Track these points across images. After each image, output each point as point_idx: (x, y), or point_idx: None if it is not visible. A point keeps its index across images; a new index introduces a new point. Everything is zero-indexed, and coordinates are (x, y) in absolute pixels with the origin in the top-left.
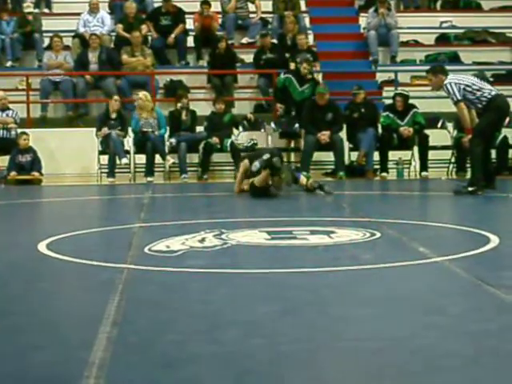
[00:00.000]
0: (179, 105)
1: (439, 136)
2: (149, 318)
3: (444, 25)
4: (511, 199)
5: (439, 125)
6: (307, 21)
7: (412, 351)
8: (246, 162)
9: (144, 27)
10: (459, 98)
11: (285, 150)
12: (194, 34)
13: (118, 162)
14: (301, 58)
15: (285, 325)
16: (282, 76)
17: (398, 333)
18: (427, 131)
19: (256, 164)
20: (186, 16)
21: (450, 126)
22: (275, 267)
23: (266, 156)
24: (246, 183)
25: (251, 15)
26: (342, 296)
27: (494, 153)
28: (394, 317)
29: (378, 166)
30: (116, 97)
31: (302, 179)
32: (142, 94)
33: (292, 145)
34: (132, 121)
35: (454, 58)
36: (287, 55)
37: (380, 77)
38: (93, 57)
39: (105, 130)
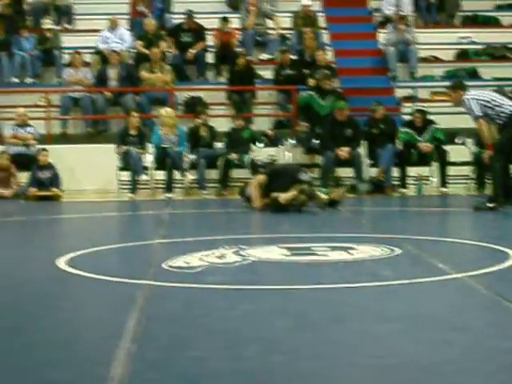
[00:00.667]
0: (198, 121)
1: (459, 152)
2: (169, 334)
3: (463, 40)
4: None
5: (460, 141)
6: (326, 37)
7: (432, 368)
8: (262, 177)
9: (163, 43)
10: (479, 114)
11: (304, 166)
12: (213, 50)
13: (137, 178)
14: (319, 73)
15: (305, 341)
16: (304, 94)
17: (419, 349)
18: (446, 147)
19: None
20: (206, 32)
21: (469, 141)
22: (295, 283)
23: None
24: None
25: (270, 31)
26: (362, 312)
27: None
28: (414, 333)
29: (397, 182)
30: (135, 113)
31: (321, 195)
32: (165, 110)
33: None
34: (153, 136)
35: (474, 74)
36: (306, 71)
37: (399, 93)
38: (112, 73)
39: (124, 147)
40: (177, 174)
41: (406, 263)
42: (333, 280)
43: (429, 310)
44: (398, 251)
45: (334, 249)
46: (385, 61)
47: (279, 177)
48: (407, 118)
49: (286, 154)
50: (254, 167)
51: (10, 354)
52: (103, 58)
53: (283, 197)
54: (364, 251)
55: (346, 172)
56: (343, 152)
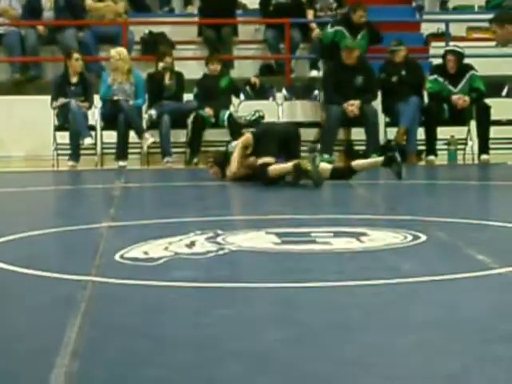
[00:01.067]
0: (161, 65)
1: (504, 107)
2: (121, 347)
3: None
4: None
5: (504, 92)
6: None
7: None
8: (249, 136)
9: None
10: None
11: (300, 124)
12: None
13: (80, 141)
14: (321, 3)
15: (300, 357)
16: (330, 29)
17: (450, 367)
18: (488, 101)
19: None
20: None
21: None
22: (287, 281)
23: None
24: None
25: None
26: (375, 318)
27: None
28: (447, 346)
29: (423, 147)
30: (77, 55)
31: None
32: (116, 50)
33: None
34: (101, 85)
35: None
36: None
37: (426, 28)
38: (47, 1)
39: (62, 100)
40: (132, 136)
41: (434, 254)
42: (337, 276)
43: (465, 314)
44: (423, 238)
45: (339, 235)
46: None
47: (270, 141)
48: (437, 61)
49: (281, 109)
50: (235, 126)
51: None
52: None
53: (274, 168)
54: (379, 238)
55: (355, 133)
56: (352, 107)
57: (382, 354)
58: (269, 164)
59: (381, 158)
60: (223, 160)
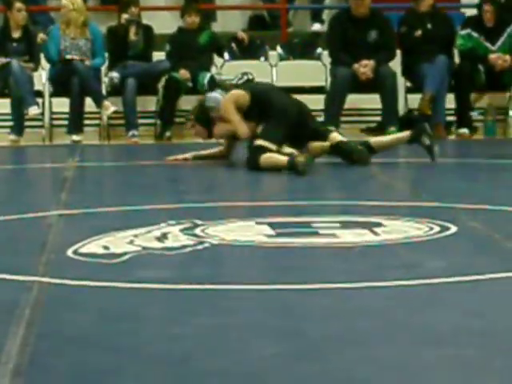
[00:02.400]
0: (125, 17)
1: None
2: (74, 363)
3: None
4: None
5: None
6: None
7: None
8: (244, 94)
9: None
10: None
11: (298, 90)
12: None
13: (24, 110)
14: None
15: (300, 375)
16: None
17: None
18: None
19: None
20: None
21: None
22: (283, 282)
23: None
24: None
25: None
26: (393, 328)
27: None
28: (479, 362)
29: (453, 118)
30: (20, 4)
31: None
32: None
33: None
34: (50, 41)
35: None
36: None
37: None
38: None
39: (1, 59)
40: (89, 104)
41: (466, 248)
42: (345, 276)
43: (505, 323)
44: (452, 229)
45: (347, 226)
46: None
47: (280, 125)
48: (471, 12)
49: (275, 71)
50: None
51: None
52: None
53: (267, 157)
54: (397, 229)
55: (367, 101)
56: (365, 68)
57: (402, 372)
58: (267, 150)
59: (406, 133)
60: (206, 116)
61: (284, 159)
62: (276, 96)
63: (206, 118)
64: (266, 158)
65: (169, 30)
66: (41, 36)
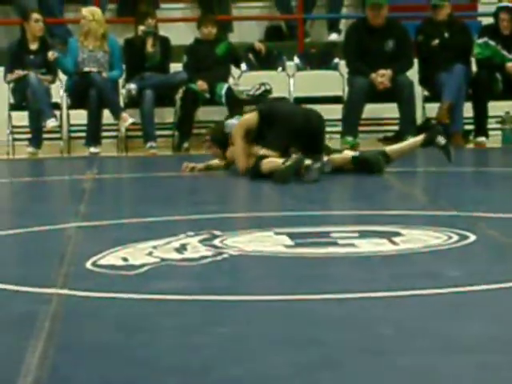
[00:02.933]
0: (142, 28)
1: None
2: (94, 375)
3: None
4: None
5: None
6: None
7: None
8: (254, 116)
9: None
10: None
11: (316, 100)
12: None
13: (42, 122)
14: None
15: None
16: None
17: None
18: None
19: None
20: None
21: None
22: (302, 292)
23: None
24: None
25: None
26: (414, 337)
27: None
28: (503, 371)
29: (471, 127)
30: (37, 15)
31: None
32: (89, 9)
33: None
34: (68, 53)
35: None
36: None
37: None
38: None
39: (19, 72)
40: (107, 116)
41: (486, 257)
42: (365, 286)
43: None
44: (471, 238)
45: (366, 235)
46: None
47: (281, 132)
48: (487, 21)
49: (292, 81)
50: (234, 103)
51: None
52: None
53: (267, 162)
54: (416, 238)
55: (385, 110)
56: (382, 78)
57: (422, 382)
58: (266, 157)
59: (420, 137)
60: (222, 138)
61: (280, 163)
62: (281, 105)
63: (221, 140)
64: (266, 162)
65: (185, 42)
66: (51, 53)
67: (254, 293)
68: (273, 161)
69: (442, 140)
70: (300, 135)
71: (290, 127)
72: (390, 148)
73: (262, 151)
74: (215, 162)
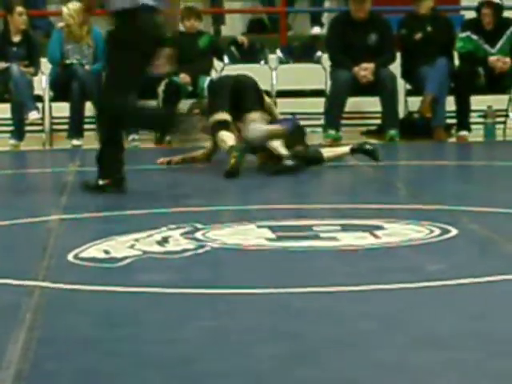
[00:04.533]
0: None
1: None
2: (76, 368)
3: None
4: None
5: None
6: None
7: None
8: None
9: None
10: None
11: (298, 93)
12: None
13: (24, 115)
14: None
15: (300, 378)
16: None
17: None
18: None
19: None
20: None
21: None
22: (284, 285)
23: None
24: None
25: None
26: (393, 331)
27: None
28: (479, 365)
29: (453, 120)
30: (20, 8)
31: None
32: (67, 11)
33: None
34: (51, 45)
35: None
36: None
37: None
38: None
39: (2, 64)
40: (89, 108)
41: (467, 251)
42: (346, 279)
43: (506, 326)
44: (452, 232)
45: (348, 229)
46: None
47: (219, 94)
48: (470, 15)
49: (274, 74)
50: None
51: None
52: None
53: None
54: (398, 232)
55: (368, 104)
56: (365, 71)
57: (402, 376)
58: (223, 123)
59: (346, 148)
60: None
61: (226, 145)
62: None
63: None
64: (220, 135)
65: (168, 34)
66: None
67: (236, 286)
68: (224, 139)
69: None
70: (233, 92)
71: (223, 87)
72: (327, 153)
73: (212, 119)
74: (194, 153)
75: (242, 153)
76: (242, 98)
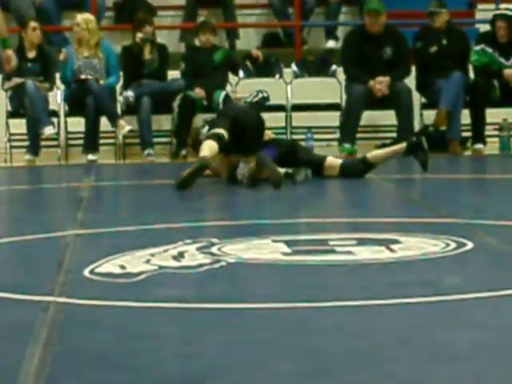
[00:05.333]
0: (139, 36)
1: None
2: (92, 383)
3: None
4: None
5: None
6: None
7: None
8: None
9: None
10: None
11: (314, 107)
12: None
13: (39, 130)
14: None
15: None
16: None
17: None
18: None
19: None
20: None
21: None
22: (299, 299)
23: None
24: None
25: None
26: (410, 345)
27: None
28: (497, 378)
29: (468, 134)
30: (35, 23)
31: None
32: (81, 17)
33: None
34: (61, 67)
35: None
36: None
37: None
38: None
39: (16, 79)
40: (104, 123)
41: (483, 265)
42: (362, 293)
43: None
44: (469, 245)
45: (363, 243)
46: None
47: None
48: (484, 28)
49: (289, 88)
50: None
51: None
52: None
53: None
54: (414, 246)
55: (383, 117)
56: (380, 85)
57: None
58: (216, 135)
59: (403, 145)
60: (198, 145)
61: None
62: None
63: (197, 147)
64: (204, 143)
65: (183, 49)
66: (64, 52)
67: (252, 301)
68: (206, 147)
69: (421, 156)
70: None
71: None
72: (372, 154)
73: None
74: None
75: (203, 167)
76: (240, 139)
